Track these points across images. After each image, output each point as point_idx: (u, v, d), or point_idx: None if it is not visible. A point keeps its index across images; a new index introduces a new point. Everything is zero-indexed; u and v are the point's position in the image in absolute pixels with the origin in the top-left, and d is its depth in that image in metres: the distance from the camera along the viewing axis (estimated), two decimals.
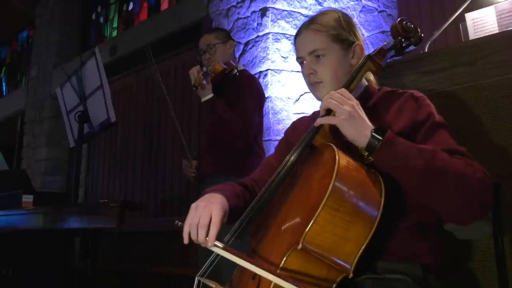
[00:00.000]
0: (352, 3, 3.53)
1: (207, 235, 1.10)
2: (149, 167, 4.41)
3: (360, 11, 3.57)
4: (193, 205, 1.17)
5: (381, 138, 1.10)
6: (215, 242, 1.08)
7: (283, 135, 1.59)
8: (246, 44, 3.27)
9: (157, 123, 4.37)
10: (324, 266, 1.04)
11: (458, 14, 2.00)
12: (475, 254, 1.62)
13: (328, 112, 1.18)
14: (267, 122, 2.94)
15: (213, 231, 1.10)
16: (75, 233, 2.91)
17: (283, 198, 1.22)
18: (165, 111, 4.26)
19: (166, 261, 3.89)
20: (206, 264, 1.21)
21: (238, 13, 3.41)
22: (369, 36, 3.55)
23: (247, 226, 1.19)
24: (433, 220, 1.26)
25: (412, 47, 1.33)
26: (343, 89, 1.20)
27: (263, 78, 3.05)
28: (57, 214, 2.23)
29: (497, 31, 1.97)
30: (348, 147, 1.20)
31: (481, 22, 2.04)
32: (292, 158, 1.21)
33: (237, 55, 3.25)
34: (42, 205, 2.51)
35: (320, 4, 3.34)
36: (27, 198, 2.63)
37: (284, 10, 3.19)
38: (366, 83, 1.40)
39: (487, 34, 1.91)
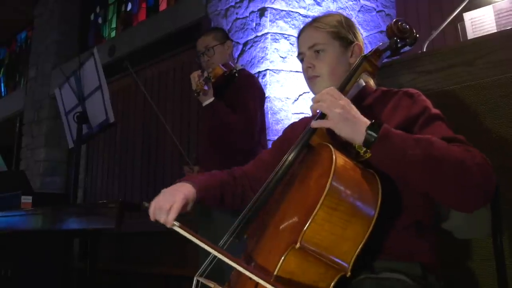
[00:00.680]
0: (351, 3, 3.53)
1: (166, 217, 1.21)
2: (148, 168, 4.40)
3: (359, 11, 3.57)
4: (163, 190, 1.28)
5: (376, 133, 1.11)
6: (174, 222, 1.19)
7: (281, 133, 1.60)
8: (245, 44, 3.27)
9: (156, 124, 4.37)
10: (322, 265, 1.04)
11: (456, 14, 2.01)
12: (474, 254, 1.62)
13: (323, 114, 1.19)
14: (265, 122, 2.93)
15: (171, 215, 1.21)
16: (74, 234, 2.92)
17: (281, 197, 1.23)
18: (164, 112, 4.26)
19: (166, 261, 3.89)
20: (204, 264, 1.22)
21: (237, 13, 3.41)
22: (367, 36, 3.55)
23: (245, 226, 1.20)
24: (430, 219, 1.27)
25: (407, 48, 1.34)
26: (332, 88, 1.21)
27: (262, 78, 3.05)
28: (56, 215, 2.23)
29: (495, 31, 1.97)
30: (345, 146, 1.20)
31: (479, 22, 2.05)
32: (290, 157, 1.23)
33: (235, 55, 3.25)
34: (41, 206, 2.51)
35: (318, 4, 3.34)
36: (26, 199, 2.63)
37: (282, 10, 3.19)
38: (364, 84, 1.41)
39: (485, 34, 1.91)
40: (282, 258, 1.03)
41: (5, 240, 2.71)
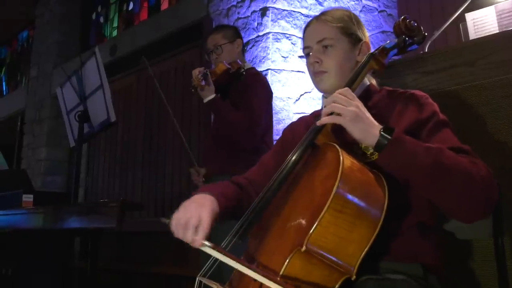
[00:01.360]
0: (352, 3, 3.53)
1: (194, 235, 1.10)
2: (149, 167, 4.40)
3: (360, 11, 3.57)
4: (185, 203, 1.18)
5: (389, 137, 1.10)
6: (204, 242, 1.08)
7: (281, 134, 1.58)
8: (246, 44, 3.26)
9: (157, 123, 4.37)
10: (326, 268, 1.03)
11: (458, 14, 2.00)
12: (475, 254, 1.61)
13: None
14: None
15: (201, 234, 1.10)
16: (75, 233, 2.91)
17: (285, 198, 1.21)
18: (166, 111, 4.26)
19: (166, 261, 3.89)
20: (207, 265, 1.20)
21: (238, 13, 3.41)
22: (369, 36, 3.54)
23: (248, 227, 1.18)
24: (433, 220, 1.26)
25: (415, 46, 1.32)
26: (346, 88, 1.19)
27: None
28: (57, 214, 2.23)
29: (498, 31, 1.97)
30: (350, 147, 1.19)
31: (481, 22, 2.05)
32: (294, 157, 1.20)
33: None
34: (42, 205, 2.51)
35: (320, 4, 3.34)
36: (27, 198, 2.63)
37: (284, 10, 3.19)
38: (368, 83, 1.39)
39: (487, 34, 1.91)
40: (287, 260, 1.01)
41: (6, 239, 2.71)
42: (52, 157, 5.48)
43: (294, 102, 3.08)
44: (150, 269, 4.03)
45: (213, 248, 1.05)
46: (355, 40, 1.38)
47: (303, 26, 1.47)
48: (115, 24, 5.45)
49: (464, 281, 1.64)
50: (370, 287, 1.11)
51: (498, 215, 1.29)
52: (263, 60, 3.11)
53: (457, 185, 1.08)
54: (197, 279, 1.19)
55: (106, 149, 5.04)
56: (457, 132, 1.23)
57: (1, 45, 7.90)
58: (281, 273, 1.01)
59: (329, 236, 1.01)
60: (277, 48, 3.10)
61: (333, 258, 1.02)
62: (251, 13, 3.29)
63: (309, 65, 1.40)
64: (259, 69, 3.11)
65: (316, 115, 1.41)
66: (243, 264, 1.03)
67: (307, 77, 2.94)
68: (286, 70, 3.09)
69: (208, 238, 1.10)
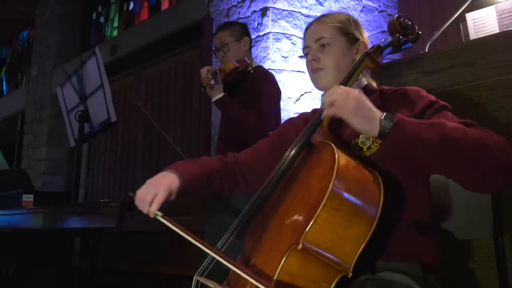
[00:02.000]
0: (353, 3, 3.53)
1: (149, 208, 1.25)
2: (150, 167, 4.40)
3: (361, 11, 3.57)
4: (148, 181, 1.30)
5: (392, 122, 1.09)
6: (156, 213, 1.23)
7: (280, 126, 1.58)
8: None
9: (157, 123, 4.37)
10: (323, 266, 1.04)
11: (459, 14, 2.00)
12: (475, 254, 1.61)
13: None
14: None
15: (153, 206, 1.24)
16: (75, 233, 2.91)
17: (281, 196, 1.22)
18: (166, 111, 4.26)
19: (166, 261, 3.89)
20: (204, 264, 1.21)
21: (239, 13, 3.41)
22: (369, 36, 3.54)
23: (245, 225, 1.19)
24: (430, 219, 1.26)
25: (409, 44, 1.33)
26: (340, 85, 1.20)
27: None
28: (58, 214, 2.23)
29: (498, 31, 1.97)
30: (346, 144, 1.20)
31: (482, 22, 2.04)
32: (292, 153, 1.22)
33: None
34: (42, 205, 2.51)
35: (320, 4, 3.34)
36: (28, 198, 2.63)
37: (284, 10, 3.19)
38: (365, 83, 1.40)
39: (487, 34, 1.90)
40: (284, 258, 1.02)
41: (6, 239, 2.70)
42: (52, 157, 5.48)
43: (294, 102, 3.08)
44: (150, 269, 4.03)
45: (164, 218, 1.20)
46: (352, 39, 1.40)
47: (304, 27, 1.50)
48: (116, 24, 5.45)
49: (464, 281, 1.64)
50: (368, 287, 1.11)
51: (499, 215, 1.29)
52: (263, 60, 3.11)
53: (469, 154, 1.05)
54: (194, 278, 1.21)
55: (106, 149, 5.04)
56: None
57: (2, 45, 7.90)
58: (277, 270, 1.02)
59: (326, 234, 1.02)
60: (277, 48, 3.10)
61: (330, 256, 1.03)
62: (252, 13, 3.29)
63: (307, 63, 1.43)
64: None
65: (316, 112, 1.41)
66: (197, 240, 1.11)
67: (307, 77, 2.93)
68: (286, 70, 3.09)
69: (165, 211, 1.25)
